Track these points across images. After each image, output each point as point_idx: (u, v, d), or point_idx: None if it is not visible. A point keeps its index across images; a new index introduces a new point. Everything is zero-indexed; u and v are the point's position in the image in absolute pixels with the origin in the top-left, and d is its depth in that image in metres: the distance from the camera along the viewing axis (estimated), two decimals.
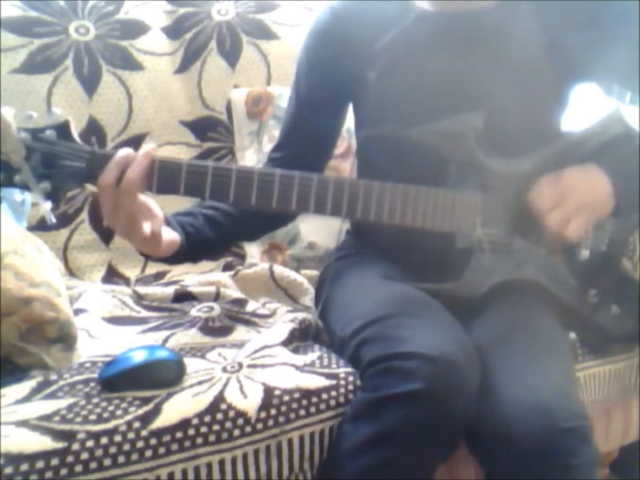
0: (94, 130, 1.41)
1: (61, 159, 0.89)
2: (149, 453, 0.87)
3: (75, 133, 0.91)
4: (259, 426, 0.93)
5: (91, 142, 1.40)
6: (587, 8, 1.04)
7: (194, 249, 1.05)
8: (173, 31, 1.51)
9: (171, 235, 1.00)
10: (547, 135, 1.08)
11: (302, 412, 0.96)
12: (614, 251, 1.10)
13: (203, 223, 1.07)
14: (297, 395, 0.95)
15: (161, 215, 0.97)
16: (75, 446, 0.83)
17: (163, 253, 0.99)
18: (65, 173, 0.89)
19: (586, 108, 1.20)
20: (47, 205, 0.89)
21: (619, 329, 1.12)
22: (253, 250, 1.48)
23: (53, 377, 0.96)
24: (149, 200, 0.95)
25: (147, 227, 0.93)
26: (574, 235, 0.99)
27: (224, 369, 0.98)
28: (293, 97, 1.17)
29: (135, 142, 1.45)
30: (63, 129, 0.90)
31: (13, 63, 1.35)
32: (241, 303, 1.26)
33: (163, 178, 0.93)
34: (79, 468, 0.83)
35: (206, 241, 1.07)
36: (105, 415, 0.88)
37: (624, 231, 1.11)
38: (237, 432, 0.91)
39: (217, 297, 1.28)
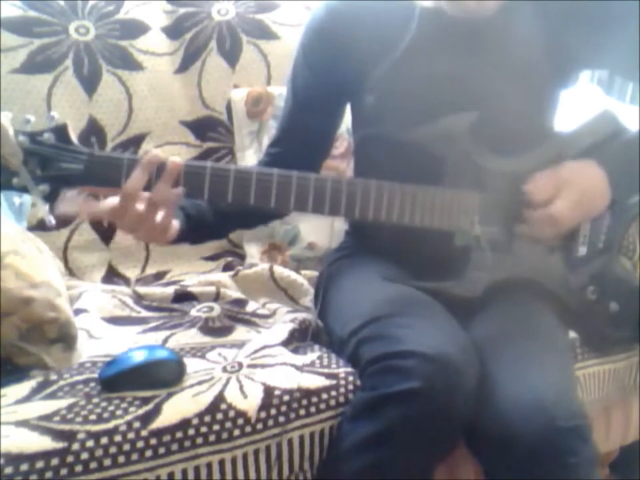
0: (94, 130, 1.41)
1: (59, 161, 0.89)
2: (149, 453, 0.87)
3: (73, 136, 0.91)
4: (259, 426, 0.93)
5: (91, 142, 1.40)
6: (589, 8, 1.04)
7: (194, 230, 1.04)
8: (173, 31, 1.51)
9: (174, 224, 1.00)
10: (542, 134, 1.08)
11: (302, 412, 0.96)
12: (611, 247, 1.10)
13: (204, 206, 1.06)
14: (297, 395, 0.95)
15: None
16: (75, 446, 0.84)
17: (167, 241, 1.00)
18: (62, 175, 0.89)
19: (581, 109, 1.21)
20: (46, 208, 0.89)
21: (619, 327, 1.12)
22: (253, 250, 1.48)
23: (53, 377, 0.96)
24: None
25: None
26: (570, 225, 1.03)
27: (224, 369, 0.99)
28: (289, 96, 1.16)
29: (135, 142, 1.45)
30: (61, 132, 0.90)
31: (12, 62, 1.35)
32: (241, 303, 1.26)
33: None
34: (79, 468, 0.83)
35: (206, 225, 1.07)
36: (105, 415, 0.88)
37: (620, 227, 1.11)
38: (237, 432, 0.92)
39: (217, 297, 1.28)
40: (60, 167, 0.89)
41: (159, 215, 0.92)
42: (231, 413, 0.91)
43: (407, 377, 0.87)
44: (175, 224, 0.99)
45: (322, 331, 1.15)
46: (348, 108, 1.20)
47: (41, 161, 0.89)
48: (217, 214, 1.07)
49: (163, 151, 1.44)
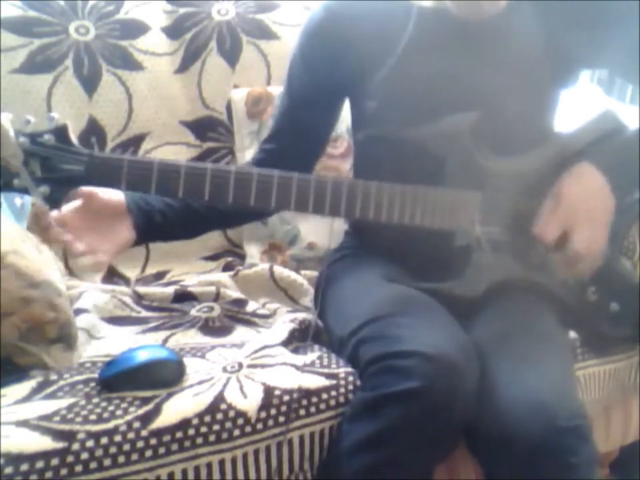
0: (94, 130, 1.41)
1: (59, 162, 0.89)
2: (149, 453, 0.87)
3: (73, 137, 0.91)
4: (259, 426, 0.93)
5: (91, 142, 1.40)
6: (589, 8, 1.04)
7: (159, 235, 1.08)
8: (173, 31, 1.51)
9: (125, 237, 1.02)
10: (542, 134, 1.08)
11: (302, 412, 0.96)
12: (611, 247, 1.10)
13: (178, 212, 1.06)
14: (296, 395, 0.95)
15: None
16: (75, 446, 0.84)
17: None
18: (63, 176, 0.90)
19: (581, 109, 1.21)
20: (46, 209, 0.89)
21: (619, 327, 1.12)
22: (253, 250, 1.48)
23: (53, 377, 0.96)
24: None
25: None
26: (599, 251, 1.02)
27: (224, 369, 0.99)
28: (286, 95, 1.16)
29: (135, 142, 1.45)
30: (61, 133, 0.90)
31: (12, 62, 1.35)
32: (240, 303, 1.26)
33: (162, 182, 0.93)
34: (79, 468, 0.83)
35: (175, 231, 1.09)
36: (105, 415, 0.88)
37: (620, 228, 1.11)
38: (237, 432, 0.92)
39: (217, 297, 1.28)
40: (60, 168, 0.90)
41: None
42: (231, 413, 0.91)
43: (407, 377, 0.87)
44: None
45: (322, 331, 1.15)
46: (346, 108, 1.20)
47: (42, 162, 0.89)
48: (190, 216, 1.07)
49: (163, 151, 1.47)
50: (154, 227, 1.03)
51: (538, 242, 1.01)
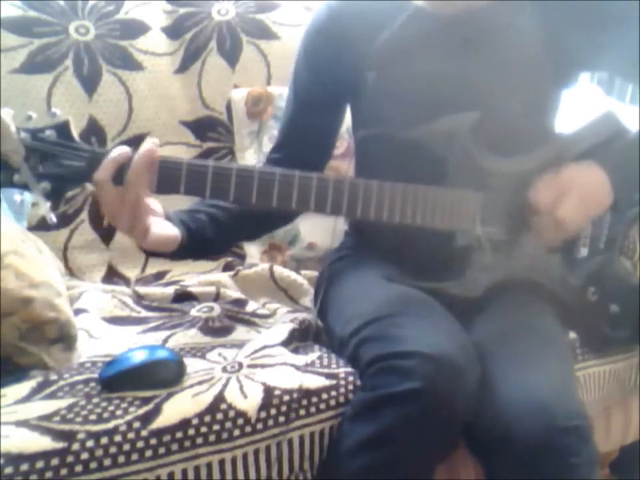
0: (94, 130, 1.41)
1: (60, 158, 0.89)
2: (149, 453, 0.87)
3: (75, 133, 0.91)
4: (259, 426, 0.93)
5: (91, 142, 1.40)
6: (589, 8, 1.04)
7: (195, 245, 1.04)
8: (173, 31, 1.51)
9: (172, 231, 0.98)
10: (542, 134, 1.08)
11: (302, 412, 0.96)
12: (611, 247, 1.10)
13: (204, 221, 1.06)
14: (297, 395, 0.95)
15: (160, 210, 0.97)
16: (75, 446, 0.84)
17: (164, 249, 0.99)
18: (64, 172, 0.89)
19: (581, 109, 1.21)
20: (47, 205, 0.89)
21: (619, 327, 1.12)
22: (253, 250, 1.48)
23: (53, 377, 0.96)
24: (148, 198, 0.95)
25: (149, 221, 0.93)
26: (577, 228, 1.02)
27: (224, 369, 0.99)
28: (291, 97, 1.17)
29: (135, 142, 1.43)
30: (62, 129, 0.90)
31: (12, 62, 1.35)
32: (240, 303, 1.26)
33: (163, 178, 0.93)
34: (79, 468, 0.83)
35: (207, 239, 1.06)
36: (105, 415, 0.88)
37: (621, 228, 1.11)
38: (237, 432, 0.92)
39: (217, 297, 1.28)
40: (62, 164, 0.89)
41: (131, 200, 0.90)
42: (231, 413, 0.91)
43: (408, 377, 0.87)
44: (174, 232, 0.98)
45: (322, 330, 1.15)
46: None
47: (43, 158, 0.88)
48: (217, 228, 1.07)
49: (163, 151, 1.45)
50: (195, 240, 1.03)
51: (531, 207, 1.01)
